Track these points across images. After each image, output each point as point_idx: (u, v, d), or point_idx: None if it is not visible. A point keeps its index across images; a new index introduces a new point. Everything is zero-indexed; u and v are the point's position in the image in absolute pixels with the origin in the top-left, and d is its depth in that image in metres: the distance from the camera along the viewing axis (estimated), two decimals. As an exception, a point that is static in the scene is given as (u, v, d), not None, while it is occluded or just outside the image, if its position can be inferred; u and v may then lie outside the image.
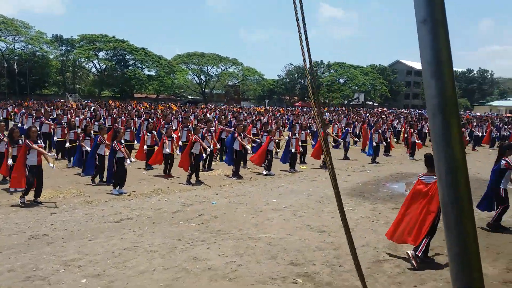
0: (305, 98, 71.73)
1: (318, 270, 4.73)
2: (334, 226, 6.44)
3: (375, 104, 72.96)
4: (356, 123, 20.35)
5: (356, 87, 70.10)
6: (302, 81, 73.19)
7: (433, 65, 1.01)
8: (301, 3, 1.51)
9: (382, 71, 74.74)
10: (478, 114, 50.95)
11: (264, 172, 11.45)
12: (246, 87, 75.01)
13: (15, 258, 4.88)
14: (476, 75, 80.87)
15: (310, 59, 1.59)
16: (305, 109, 47.34)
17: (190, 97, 74.17)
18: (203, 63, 71.54)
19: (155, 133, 12.35)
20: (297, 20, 1.53)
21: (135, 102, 45.19)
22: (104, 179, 9.36)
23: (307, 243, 5.69)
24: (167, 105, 40.41)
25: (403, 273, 4.74)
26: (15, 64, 49.40)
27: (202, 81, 73.95)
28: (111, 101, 43.52)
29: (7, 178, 8.72)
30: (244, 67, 74.61)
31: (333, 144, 16.19)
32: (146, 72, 66.24)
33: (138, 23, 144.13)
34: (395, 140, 16.46)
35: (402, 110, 53.97)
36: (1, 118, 19.73)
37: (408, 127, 16.83)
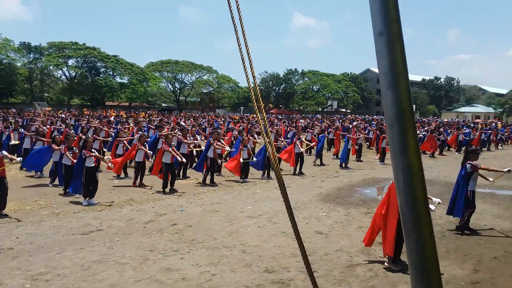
0: (280, 106, 72.42)
1: (292, 277, 4.74)
2: (309, 232, 6.48)
3: (348, 111, 74.53)
4: (330, 129, 20.70)
5: (330, 95, 71.45)
6: (277, 88, 73.93)
7: (390, 76, 1.04)
8: (239, 10, 1.49)
9: (354, 79, 76.56)
10: (445, 120, 52.96)
11: (241, 180, 11.42)
12: (221, 94, 74.94)
13: (-24, 274, 4.63)
14: (443, 82, 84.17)
15: (252, 67, 1.58)
16: (279, 117, 47.73)
17: (164, 104, 73.35)
18: (177, 71, 71.02)
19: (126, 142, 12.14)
20: (236, 31, 1.51)
21: (112, 110, 44.19)
22: (68, 190, 8.99)
23: (282, 250, 5.69)
24: (136, 113, 39.81)
25: (375, 276, 4.82)
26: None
27: (177, 89, 73.31)
28: (86, 110, 42.41)
29: None
30: (218, 74, 74.61)
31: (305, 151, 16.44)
32: (118, 80, 65.05)
33: (110, 31, 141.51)
34: (367, 145, 16.85)
35: (374, 116, 55.39)
36: None
37: (379, 133, 17.24)
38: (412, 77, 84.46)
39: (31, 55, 59.33)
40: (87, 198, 8.26)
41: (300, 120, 34.82)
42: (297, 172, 12.85)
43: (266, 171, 12.26)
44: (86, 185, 8.30)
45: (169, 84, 73.60)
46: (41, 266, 4.88)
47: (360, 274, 4.87)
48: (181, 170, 11.78)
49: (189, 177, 11.81)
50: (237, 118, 38.38)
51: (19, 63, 57.78)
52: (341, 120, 35.37)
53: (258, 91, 1.51)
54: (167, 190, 9.68)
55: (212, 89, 74.97)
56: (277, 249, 5.70)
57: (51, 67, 59.77)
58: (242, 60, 1.45)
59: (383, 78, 1.05)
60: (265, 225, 6.95)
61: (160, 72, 71.32)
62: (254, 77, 1.49)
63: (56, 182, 9.83)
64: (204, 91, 74.75)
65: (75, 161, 8.83)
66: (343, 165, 14.42)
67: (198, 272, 4.77)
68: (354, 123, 26.53)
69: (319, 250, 5.71)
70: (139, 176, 10.45)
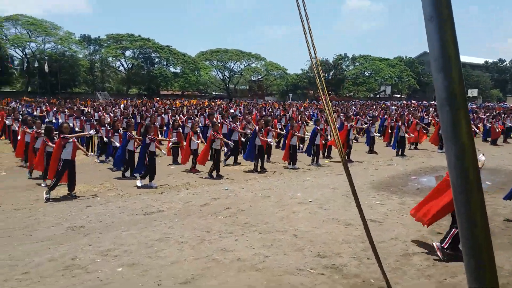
0: (329, 92, 70.90)
1: (345, 262, 4.76)
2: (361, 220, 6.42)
3: (402, 96, 71.25)
4: (385, 116, 20.01)
5: (383, 80, 68.61)
6: (326, 74, 72.34)
7: (440, 60, 1.05)
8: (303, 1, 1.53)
9: (409, 63, 72.75)
10: (511, 105, 48.83)
11: (289, 166, 11.49)
12: (269, 82, 74.92)
13: (54, 248, 5.16)
14: (508, 65, 77.34)
15: (315, 52, 1.61)
16: (330, 103, 46.85)
17: (214, 93, 74.89)
18: (226, 59, 72.02)
19: (181, 129, 12.66)
20: (300, 14, 1.56)
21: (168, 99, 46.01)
22: (134, 174, 9.68)
23: (333, 236, 5.71)
24: (187, 102, 41.09)
25: (433, 266, 4.70)
26: (45, 64, 51.33)
27: (226, 77, 74.43)
28: (138, 100, 44.61)
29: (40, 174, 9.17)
30: (267, 62, 74.54)
31: (356, 135, 16.11)
32: (172, 69, 67.54)
33: (163, 22, 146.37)
34: (424, 132, 16.10)
35: (431, 102, 52.40)
36: (36, 115, 20.64)
37: (437, 120, 16.38)
38: (473, 59, 78.44)
39: (91, 47, 63.24)
40: (148, 181, 8.81)
41: (352, 107, 33.95)
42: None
43: (315, 158, 12.21)
44: (149, 169, 8.84)
45: (219, 72, 74.95)
46: (110, 243, 5.33)
47: (417, 263, 4.77)
48: (233, 157, 12.09)
49: (239, 163, 12.10)
50: (286, 105, 38.25)
51: (80, 55, 61.87)
52: (394, 107, 34.00)
53: (322, 75, 1.56)
54: (214, 174, 10.01)
55: (260, 76, 75.16)
56: (328, 235, 5.73)
57: (110, 58, 63.38)
58: (307, 46, 1.50)
59: (434, 62, 1.07)
60: (316, 211, 6.98)
61: (210, 61, 72.81)
62: (317, 61, 1.54)
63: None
64: (252, 78, 75.18)
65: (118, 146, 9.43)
66: (399, 152, 13.94)
67: (252, 254, 4.95)
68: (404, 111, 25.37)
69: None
70: (194, 162, 10.92)
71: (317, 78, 1.57)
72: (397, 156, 13.75)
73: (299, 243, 5.38)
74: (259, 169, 11.05)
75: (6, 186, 8.78)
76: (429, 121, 20.50)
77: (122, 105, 29.36)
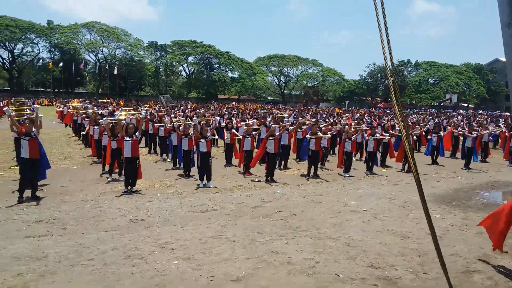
0: (388, 99, 68.15)
1: (400, 275, 4.59)
2: (420, 233, 6.13)
3: (470, 105, 66.56)
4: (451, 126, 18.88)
5: (448, 88, 64.62)
6: (385, 81, 69.69)
7: None
8: (382, 3, 1.56)
9: (478, 70, 67.88)
10: None
11: (346, 175, 11.25)
12: (325, 88, 73.96)
13: (118, 238, 5.55)
14: None
15: (391, 58, 1.63)
16: (388, 111, 45.06)
17: (269, 98, 75.61)
18: (283, 65, 72.42)
19: (234, 131, 12.99)
20: (378, 19, 1.58)
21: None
22: (188, 172, 10.15)
23: (388, 247, 5.52)
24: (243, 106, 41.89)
25: (495, 285, 4.37)
26: (115, 68, 55.38)
27: (282, 82, 74.75)
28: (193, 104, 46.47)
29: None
30: (324, 67, 73.73)
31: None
32: (229, 74, 69.43)
33: (223, 28, 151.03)
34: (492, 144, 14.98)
35: (502, 113, 48.32)
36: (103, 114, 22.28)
37: (508, 132, 15.12)
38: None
39: (158, 53, 67.11)
40: (203, 181, 9.16)
41: (412, 116, 32.41)
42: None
43: (370, 167, 11.85)
44: (200, 169, 9.18)
45: (275, 78, 75.52)
46: (167, 237, 5.62)
47: (477, 281, 4.47)
48: (282, 162, 12.10)
49: (289, 168, 12.11)
50: (340, 111, 37.48)
51: (147, 60, 65.94)
52: (459, 117, 31.87)
53: (396, 81, 1.58)
54: (268, 179, 10.09)
55: (316, 82, 74.47)
56: (383, 246, 5.54)
57: (173, 64, 66.77)
58: (383, 52, 1.53)
59: (510, 69, 1.04)
60: (370, 221, 6.79)
61: (267, 66, 73.63)
62: (393, 65, 1.56)
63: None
64: (308, 84, 74.75)
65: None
66: (466, 164, 13.09)
67: (302, 258, 4.95)
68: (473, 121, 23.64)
69: (430, 252, 5.36)
70: (245, 164, 11.13)
71: (391, 85, 1.58)
72: (463, 168, 12.91)
73: (352, 252, 5.27)
74: (312, 174, 10.97)
75: (76, 179, 9.59)
76: (496, 133, 18.96)
77: (181, 107, 30.71)
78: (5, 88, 60.77)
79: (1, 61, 59.52)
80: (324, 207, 7.61)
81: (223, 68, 69.28)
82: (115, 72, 54.67)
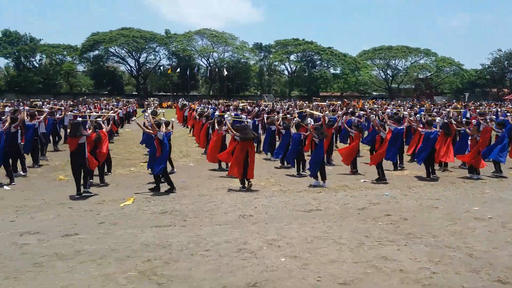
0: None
1: (538, 296, 3.97)
2: None
3: None
4: None
5: None
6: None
7: None
8: None
9: None
10: None
11: (474, 177, 10.07)
12: (440, 80, 67.30)
13: (230, 232, 5.94)
14: None
15: None
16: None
17: (375, 93, 71.85)
18: (390, 57, 68.20)
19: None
20: None
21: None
22: (301, 171, 10.34)
23: (521, 261, 4.82)
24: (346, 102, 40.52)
25: None
26: (224, 71, 59.08)
27: (389, 76, 70.44)
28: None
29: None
30: (438, 57, 67.15)
31: None
32: (332, 71, 68.19)
33: (324, 23, 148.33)
34: None
35: None
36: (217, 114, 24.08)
37: None
38: None
39: (262, 54, 69.56)
40: (318, 180, 9.17)
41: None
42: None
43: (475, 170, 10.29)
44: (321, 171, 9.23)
45: (380, 71, 71.61)
46: (274, 233, 5.81)
47: None
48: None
49: (404, 168, 11.38)
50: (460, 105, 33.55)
51: (252, 61, 68.84)
52: None
53: None
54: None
55: (429, 74, 68.28)
56: (514, 260, 4.86)
57: (276, 63, 68.43)
58: None
59: None
60: (497, 230, 6.01)
61: (372, 60, 70.24)
62: None
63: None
64: (420, 76, 68.96)
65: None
66: None
67: (416, 267, 4.63)
68: None
69: None
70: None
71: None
72: None
73: (475, 264, 4.74)
74: (430, 176, 10.08)
75: (193, 175, 10.52)
76: None
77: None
78: (133, 93, 69.73)
79: (130, 69, 68.55)
80: (441, 213, 6.98)
81: (325, 65, 68.29)
82: (225, 73, 58.29)
